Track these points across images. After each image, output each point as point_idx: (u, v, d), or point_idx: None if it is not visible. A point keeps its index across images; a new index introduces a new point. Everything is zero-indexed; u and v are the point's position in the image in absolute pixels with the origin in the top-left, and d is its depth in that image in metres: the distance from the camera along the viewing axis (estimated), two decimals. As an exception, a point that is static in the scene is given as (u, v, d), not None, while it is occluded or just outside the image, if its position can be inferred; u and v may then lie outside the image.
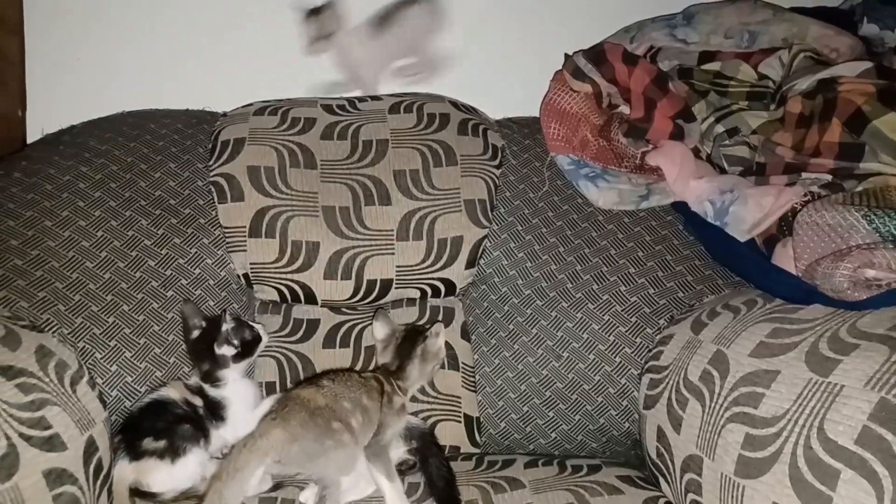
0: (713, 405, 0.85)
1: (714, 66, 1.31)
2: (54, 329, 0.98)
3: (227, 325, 0.99)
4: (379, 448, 0.91)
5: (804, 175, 1.05)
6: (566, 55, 1.33)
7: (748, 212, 1.06)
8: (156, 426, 0.95)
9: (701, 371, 0.91)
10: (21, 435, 0.73)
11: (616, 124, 1.30)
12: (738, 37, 1.30)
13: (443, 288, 1.27)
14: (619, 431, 1.15)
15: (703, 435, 0.85)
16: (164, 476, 0.93)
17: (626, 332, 1.14)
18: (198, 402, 0.99)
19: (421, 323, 1.23)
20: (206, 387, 1.00)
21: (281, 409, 0.89)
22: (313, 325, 1.24)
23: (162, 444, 0.94)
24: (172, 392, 1.00)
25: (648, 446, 1.02)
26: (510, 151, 1.33)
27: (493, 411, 1.20)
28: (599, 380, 1.14)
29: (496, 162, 1.30)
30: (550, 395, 1.17)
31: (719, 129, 1.25)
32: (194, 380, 1.01)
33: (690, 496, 0.88)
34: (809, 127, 1.09)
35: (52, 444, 0.77)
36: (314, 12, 1.38)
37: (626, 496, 0.96)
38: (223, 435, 0.99)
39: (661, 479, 0.98)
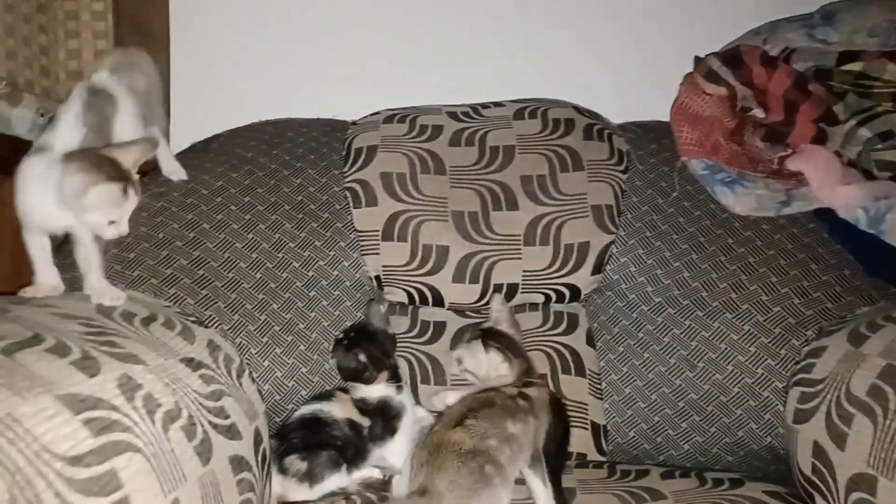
0: (889, 422, 0.80)
1: (855, 66, 1.25)
2: (216, 325, 1.04)
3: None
4: (538, 453, 0.92)
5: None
6: (697, 58, 1.30)
7: (910, 219, 1.00)
8: (306, 444, 0.97)
9: (868, 386, 0.86)
10: (210, 423, 0.78)
11: (750, 128, 1.26)
12: (883, 35, 1.23)
13: (567, 293, 1.26)
14: (759, 446, 1.11)
15: (877, 453, 0.81)
16: (303, 496, 0.95)
17: (770, 343, 1.10)
18: (365, 422, 1.00)
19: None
20: (391, 391, 1.02)
21: (432, 458, 0.86)
22: (440, 327, 1.26)
23: (304, 466, 0.95)
24: (337, 409, 1.00)
25: (801, 462, 0.98)
26: (636, 156, 1.32)
27: (622, 420, 1.18)
28: (738, 391, 1.11)
29: (622, 167, 1.29)
30: (684, 406, 1.14)
31: (865, 132, 1.19)
32: (369, 389, 1.02)
33: (859, 516, 0.84)
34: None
35: (232, 432, 0.82)
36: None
37: (778, 513, 0.92)
38: (386, 453, 1.01)
39: (818, 497, 0.94)
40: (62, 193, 0.86)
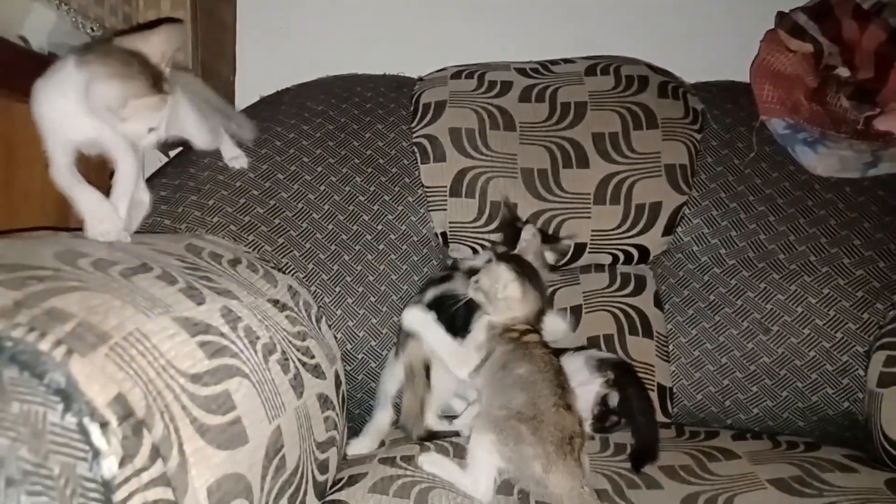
0: None
1: (952, 22, 1.19)
2: (292, 272, 1.06)
3: None
4: None
5: None
6: (780, 13, 1.25)
7: None
8: None
9: (967, 347, 0.84)
10: (299, 360, 0.80)
11: (834, 87, 1.21)
12: None
13: (636, 254, 1.25)
14: (835, 411, 1.08)
15: (978, 415, 0.78)
16: None
17: (851, 307, 1.07)
18: None
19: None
20: None
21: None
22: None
23: None
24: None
25: (885, 426, 0.95)
26: (711, 116, 1.28)
27: (689, 382, 1.17)
28: (815, 356, 1.08)
29: (697, 126, 1.26)
30: (755, 370, 1.12)
31: (961, 91, 1.13)
32: None
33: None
34: None
35: (318, 371, 0.84)
36: None
37: (861, 475, 0.90)
38: None
39: (904, 462, 0.92)
40: (92, 103, 0.76)
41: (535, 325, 0.93)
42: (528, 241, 1.06)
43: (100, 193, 0.81)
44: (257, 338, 0.71)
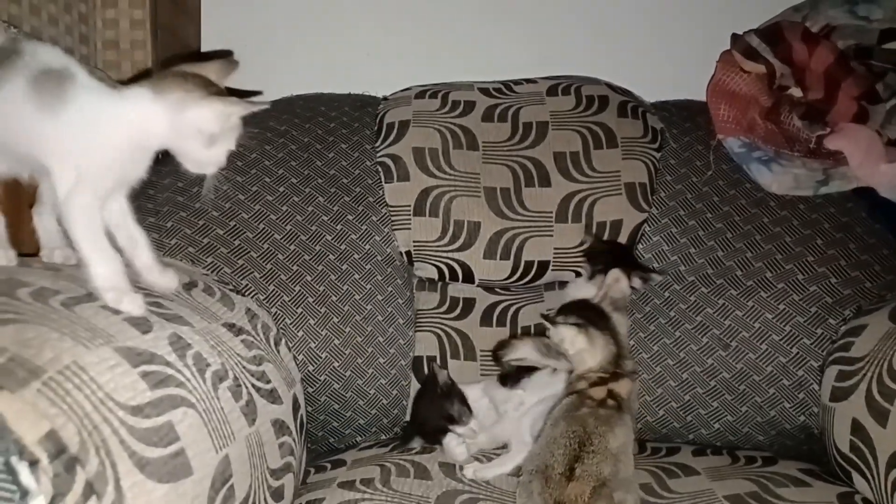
0: (934, 398, 0.80)
1: (898, 44, 1.23)
2: (252, 294, 1.05)
3: None
4: None
5: None
6: (735, 35, 1.28)
7: (955, 198, 0.99)
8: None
9: (912, 363, 0.86)
10: (253, 386, 0.79)
11: (787, 107, 1.24)
12: (929, 12, 1.21)
13: (599, 272, 1.26)
14: (792, 425, 1.10)
15: (922, 429, 0.80)
16: None
17: (805, 322, 1.09)
18: None
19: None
20: None
21: None
22: (469, 303, 1.26)
23: None
24: None
25: (837, 440, 0.97)
26: (670, 135, 1.30)
27: (651, 398, 1.17)
28: (772, 371, 1.10)
29: (656, 145, 1.28)
30: (716, 385, 1.13)
31: (907, 111, 1.17)
32: None
33: (899, 493, 0.83)
34: None
35: (274, 396, 0.83)
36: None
37: (815, 489, 0.92)
38: None
39: (856, 474, 0.93)
40: (184, 129, 0.70)
41: (614, 369, 0.90)
42: (610, 286, 1.04)
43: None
44: (207, 365, 0.70)
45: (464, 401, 1.02)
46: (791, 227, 1.17)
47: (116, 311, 0.65)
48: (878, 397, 0.89)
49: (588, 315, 0.96)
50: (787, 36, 1.20)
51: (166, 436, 0.57)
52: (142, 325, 0.66)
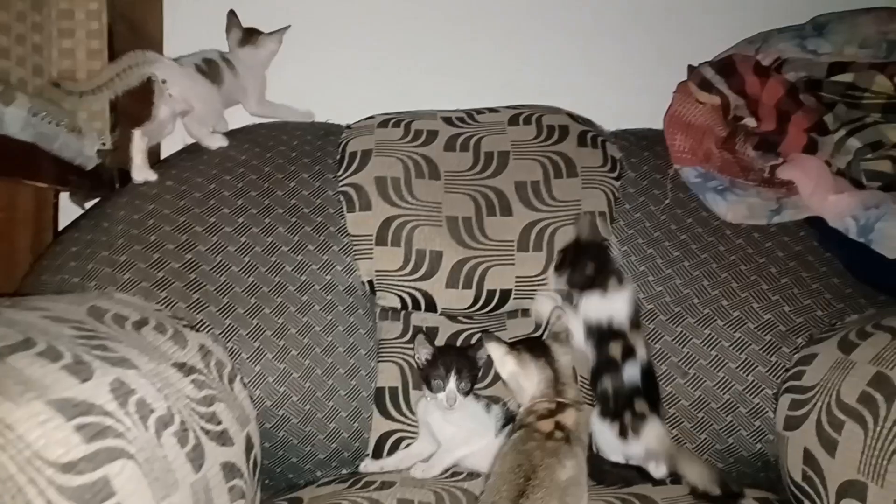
0: (879, 430, 0.81)
1: (846, 77, 1.26)
2: (208, 329, 1.03)
3: None
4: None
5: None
6: (690, 66, 1.31)
7: (899, 229, 1.02)
8: None
9: (858, 393, 0.87)
10: (202, 429, 0.77)
11: (741, 137, 1.27)
12: (875, 47, 1.25)
13: (560, 300, 1.27)
14: (749, 452, 1.11)
15: (868, 460, 0.82)
16: None
17: (760, 350, 1.11)
18: None
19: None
20: None
21: None
22: (432, 332, 1.25)
23: None
24: None
25: (791, 469, 0.98)
26: (628, 163, 1.32)
27: (613, 426, 1.18)
28: (729, 398, 1.11)
29: (615, 174, 1.30)
30: (674, 413, 1.14)
31: (855, 142, 1.20)
32: None
33: (849, 523, 0.85)
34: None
35: (224, 438, 0.82)
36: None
37: (769, 519, 0.93)
38: None
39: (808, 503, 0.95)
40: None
41: (556, 397, 0.90)
42: (553, 322, 1.04)
43: None
44: (151, 411, 0.69)
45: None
46: (746, 256, 1.19)
47: (55, 359, 0.64)
48: (827, 427, 0.90)
49: (528, 343, 0.99)
50: (740, 69, 1.23)
51: (100, 492, 0.55)
52: (81, 372, 0.64)
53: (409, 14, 1.53)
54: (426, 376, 1.07)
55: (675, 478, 1.07)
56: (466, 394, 1.06)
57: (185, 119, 1.26)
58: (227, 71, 1.32)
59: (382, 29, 1.53)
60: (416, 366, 1.13)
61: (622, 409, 1.05)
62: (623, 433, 1.04)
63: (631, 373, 1.07)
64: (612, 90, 1.50)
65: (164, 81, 1.18)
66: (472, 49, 1.54)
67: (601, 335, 1.09)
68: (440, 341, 1.24)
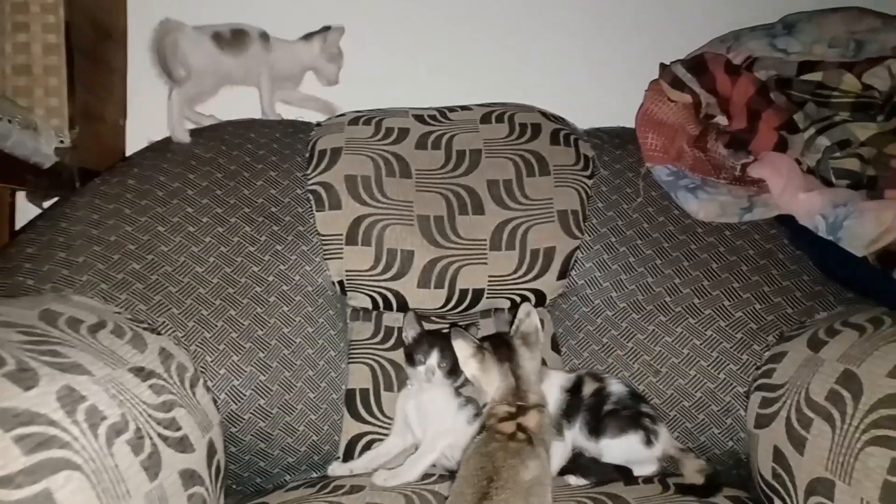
0: (846, 427, 0.81)
1: (815, 76, 1.27)
2: (170, 332, 1.00)
3: None
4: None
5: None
6: (662, 65, 1.31)
7: (866, 226, 1.02)
8: None
9: (827, 391, 0.87)
10: (160, 435, 0.75)
11: (713, 135, 1.27)
12: (843, 46, 1.26)
13: (533, 298, 1.26)
14: (721, 451, 1.11)
15: (835, 458, 0.82)
16: None
17: (731, 348, 1.11)
18: None
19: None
20: None
21: None
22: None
23: None
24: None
25: (761, 467, 0.98)
26: (601, 162, 1.32)
27: (586, 425, 1.17)
28: (701, 397, 1.11)
29: (588, 172, 1.29)
30: (648, 411, 1.14)
31: (824, 140, 1.21)
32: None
33: (817, 521, 0.85)
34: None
35: (184, 445, 0.79)
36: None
37: (739, 518, 0.93)
38: None
39: (777, 501, 0.94)
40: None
41: (517, 402, 0.89)
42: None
43: None
44: (103, 418, 0.66)
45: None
46: (717, 254, 1.19)
47: (-3, 367, 0.60)
48: (796, 425, 0.90)
49: (495, 343, 0.96)
50: (711, 67, 1.23)
51: (41, 505, 0.53)
52: (26, 379, 0.61)
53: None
54: (410, 353, 1.07)
55: (646, 476, 1.07)
56: (448, 375, 1.04)
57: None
58: (258, 46, 1.34)
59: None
60: (403, 342, 1.12)
61: (637, 417, 1.04)
62: (648, 440, 1.03)
63: (617, 388, 1.06)
64: (585, 89, 1.51)
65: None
66: (445, 48, 1.53)
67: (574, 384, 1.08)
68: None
